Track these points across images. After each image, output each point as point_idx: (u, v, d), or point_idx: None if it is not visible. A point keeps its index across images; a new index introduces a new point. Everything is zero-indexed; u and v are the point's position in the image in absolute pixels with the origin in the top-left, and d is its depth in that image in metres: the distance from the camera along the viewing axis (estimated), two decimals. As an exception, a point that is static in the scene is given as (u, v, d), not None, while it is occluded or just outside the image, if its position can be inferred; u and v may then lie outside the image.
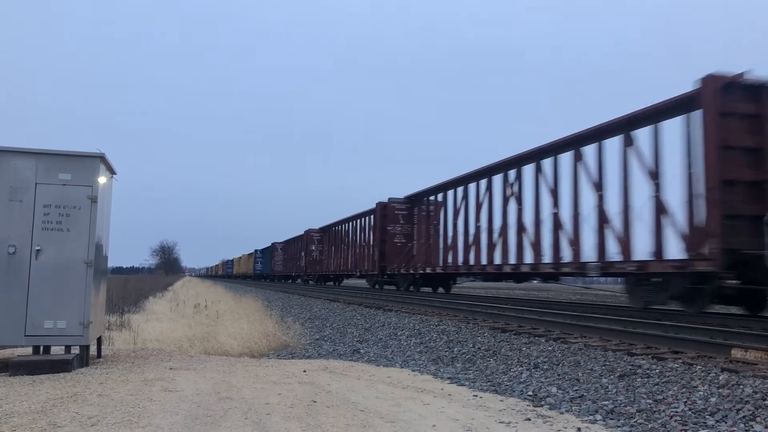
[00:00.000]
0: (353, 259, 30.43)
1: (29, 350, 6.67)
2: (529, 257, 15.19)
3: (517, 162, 16.02)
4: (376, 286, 27.41)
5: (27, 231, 6.48)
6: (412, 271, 22.75)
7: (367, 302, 16.86)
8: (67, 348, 6.62)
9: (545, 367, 6.62)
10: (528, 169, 15.65)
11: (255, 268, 64.05)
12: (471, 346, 8.36)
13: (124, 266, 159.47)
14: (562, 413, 4.75)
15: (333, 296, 21.28)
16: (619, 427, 4.33)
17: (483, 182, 18.12)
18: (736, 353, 6.08)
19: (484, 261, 17.40)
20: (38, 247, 6.49)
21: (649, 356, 6.39)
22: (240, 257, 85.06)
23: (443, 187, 20.98)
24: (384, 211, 25.04)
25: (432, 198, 22.57)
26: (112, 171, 7.50)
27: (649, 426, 4.31)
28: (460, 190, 19.69)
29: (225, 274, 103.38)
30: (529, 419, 4.50)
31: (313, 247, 40.13)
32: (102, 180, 6.90)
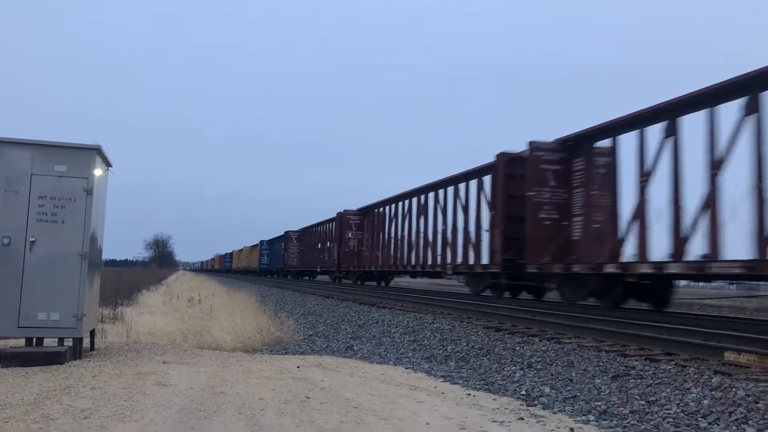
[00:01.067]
0: (424, 250, 21.83)
1: (22, 342, 6.64)
2: None
3: None
4: (487, 291, 17.23)
5: (22, 222, 6.45)
6: (619, 271, 11.53)
7: (361, 299, 16.88)
8: (61, 340, 6.60)
9: (539, 366, 6.63)
10: None
11: (261, 262, 56.52)
12: (465, 344, 8.37)
13: (118, 259, 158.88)
14: (555, 413, 4.76)
15: (327, 292, 21.32)
16: (611, 427, 4.34)
17: None
18: (729, 356, 6.11)
19: None
20: (33, 239, 6.46)
21: (643, 357, 6.42)
22: (241, 250, 75.25)
23: (651, 117, 11.38)
24: (511, 167, 14.96)
25: (611, 141, 12.88)
26: (108, 163, 7.47)
27: (642, 427, 4.32)
28: (700, 115, 10.24)
29: (222, 268, 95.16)
30: (522, 418, 4.51)
31: (350, 235, 30.57)
32: (98, 172, 6.87)
